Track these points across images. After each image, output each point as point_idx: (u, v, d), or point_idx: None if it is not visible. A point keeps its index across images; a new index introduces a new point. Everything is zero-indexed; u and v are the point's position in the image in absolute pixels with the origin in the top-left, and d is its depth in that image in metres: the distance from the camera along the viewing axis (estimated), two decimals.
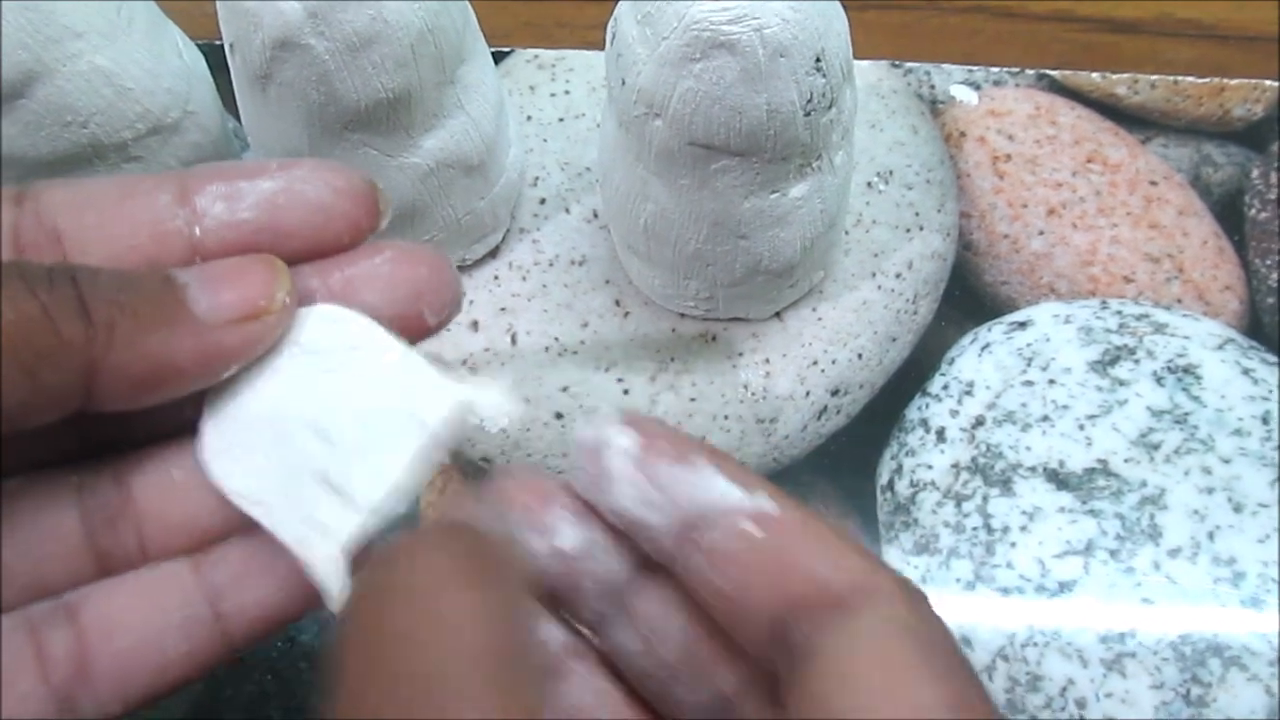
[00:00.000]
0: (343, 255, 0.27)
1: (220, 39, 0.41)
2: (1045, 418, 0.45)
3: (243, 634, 0.26)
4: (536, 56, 0.53)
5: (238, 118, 0.45)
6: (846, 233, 0.49)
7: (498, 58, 0.46)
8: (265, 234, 0.26)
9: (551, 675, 0.28)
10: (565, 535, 0.28)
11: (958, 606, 0.42)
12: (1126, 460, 0.44)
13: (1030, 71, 0.52)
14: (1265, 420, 0.45)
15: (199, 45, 0.47)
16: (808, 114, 0.38)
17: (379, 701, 0.20)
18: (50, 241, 0.25)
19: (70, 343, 0.22)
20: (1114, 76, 0.52)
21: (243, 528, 0.26)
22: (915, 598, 0.24)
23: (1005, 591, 0.43)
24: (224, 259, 0.26)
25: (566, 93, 0.52)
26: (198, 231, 0.26)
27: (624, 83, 0.39)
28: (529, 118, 0.52)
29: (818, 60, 0.38)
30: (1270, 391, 0.45)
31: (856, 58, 0.41)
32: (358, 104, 0.40)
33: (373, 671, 0.20)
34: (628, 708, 0.28)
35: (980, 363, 0.47)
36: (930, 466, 0.45)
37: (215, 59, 0.46)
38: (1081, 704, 0.41)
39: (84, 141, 0.42)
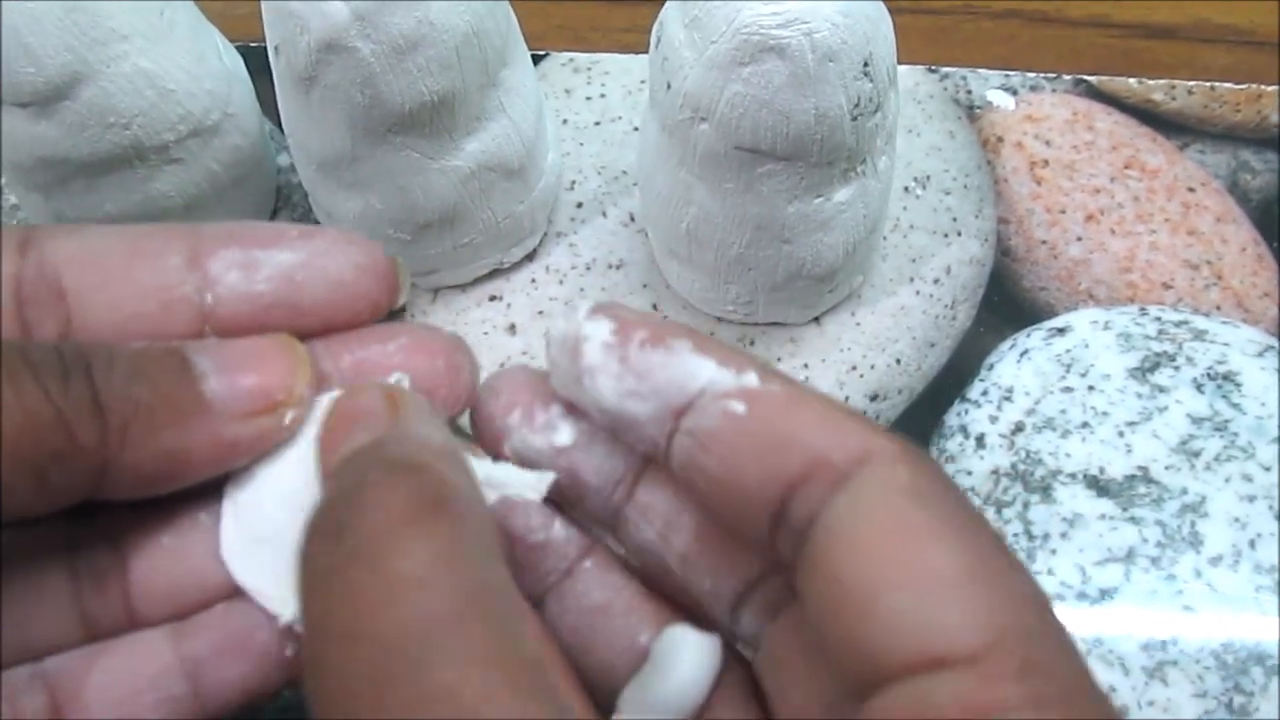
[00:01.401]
0: (356, 335, 0.27)
1: (258, 41, 0.41)
2: (1085, 424, 0.45)
3: (219, 707, 0.25)
4: (572, 60, 0.53)
5: (276, 121, 0.45)
6: (885, 238, 0.48)
7: (533, 61, 0.46)
8: (281, 309, 0.25)
9: (565, 576, 0.27)
10: (563, 431, 0.27)
11: None
12: (1167, 467, 0.44)
13: (1067, 77, 0.52)
14: None
15: (237, 48, 0.47)
16: (855, 118, 0.38)
17: (350, 674, 0.19)
18: (53, 296, 0.24)
19: (84, 446, 0.21)
20: (1151, 82, 0.52)
21: (227, 595, 0.25)
22: (918, 459, 0.22)
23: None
24: (242, 341, 0.25)
25: (602, 96, 0.52)
26: (209, 299, 0.25)
27: (669, 86, 0.39)
28: (565, 121, 0.52)
29: (865, 65, 0.37)
30: None
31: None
32: (402, 106, 0.40)
33: (338, 646, 0.19)
34: (646, 600, 0.27)
35: (1019, 369, 0.46)
36: (970, 473, 0.45)
37: (253, 62, 0.46)
38: (1124, 711, 0.41)
39: (126, 143, 0.42)
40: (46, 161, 0.41)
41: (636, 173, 0.46)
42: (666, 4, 0.40)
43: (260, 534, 0.26)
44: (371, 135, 0.41)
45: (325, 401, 0.26)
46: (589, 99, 0.52)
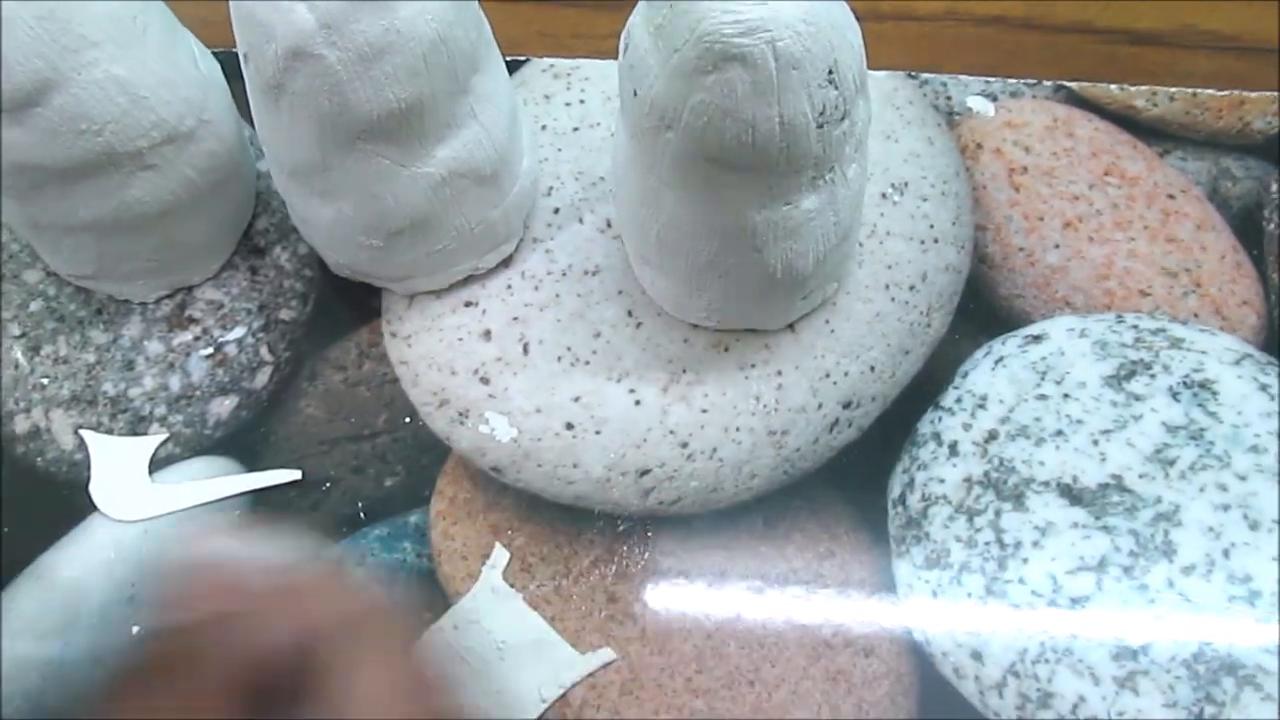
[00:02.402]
0: None
1: (236, 47, 0.41)
2: (1059, 432, 0.45)
3: None
4: (552, 66, 0.53)
5: (254, 124, 0.45)
6: (860, 244, 0.48)
7: (513, 67, 0.46)
8: None
9: None
10: None
11: (969, 621, 0.42)
12: (1141, 476, 0.44)
13: (1048, 83, 0.52)
14: None
15: (215, 54, 0.47)
16: (820, 126, 0.38)
17: None
18: None
19: None
20: (1132, 89, 0.52)
21: None
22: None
23: (1017, 607, 0.42)
24: None
25: (581, 102, 0.52)
26: None
27: (636, 94, 0.39)
28: (544, 127, 0.52)
29: (830, 72, 0.37)
30: None
31: (872, 68, 0.40)
32: (370, 113, 0.40)
33: None
34: None
35: (994, 376, 0.46)
36: (942, 480, 0.45)
37: (231, 67, 0.46)
38: None
39: (99, 149, 0.42)
40: (19, 168, 0.41)
41: (610, 179, 0.46)
42: (635, 8, 0.40)
43: None
44: (341, 143, 0.41)
45: None
46: (568, 105, 0.52)
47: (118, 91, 0.41)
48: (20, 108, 0.40)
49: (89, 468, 0.46)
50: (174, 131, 0.43)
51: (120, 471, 0.46)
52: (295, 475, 0.45)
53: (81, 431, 0.46)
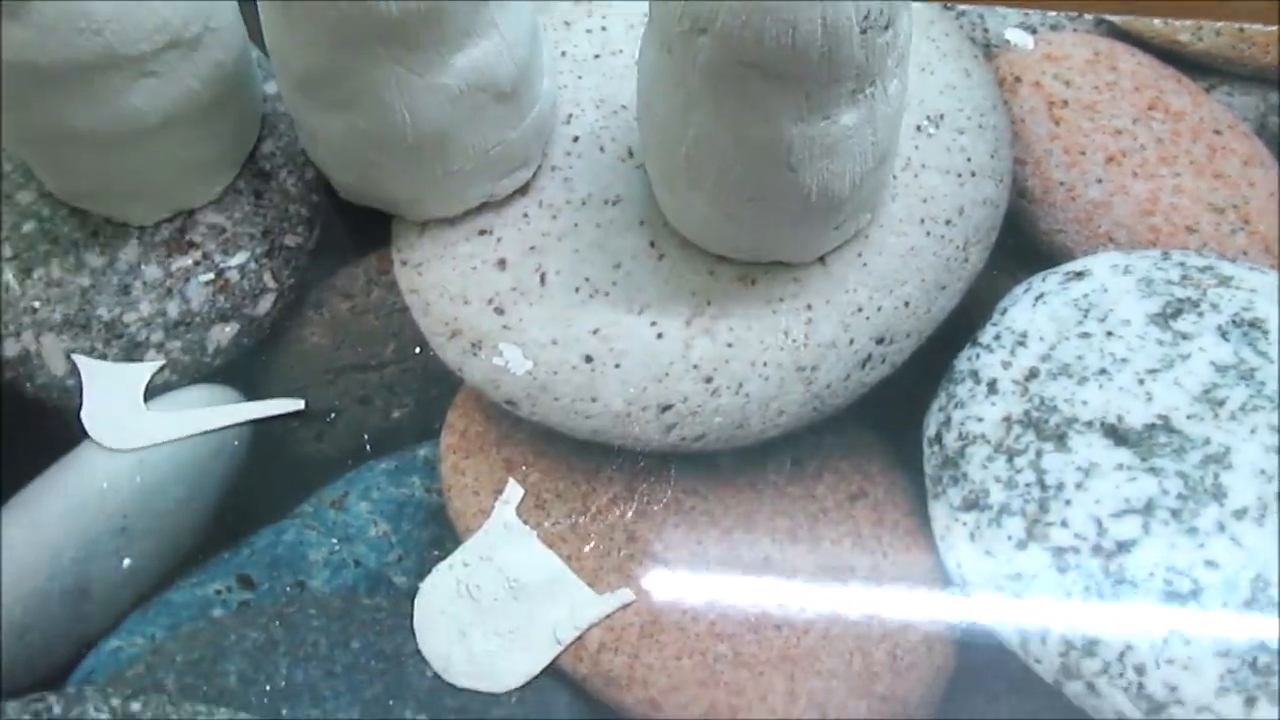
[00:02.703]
0: None
1: None
2: (1103, 371, 0.43)
3: None
4: None
5: (263, 48, 0.43)
6: (895, 177, 0.46)
7: None
8: None
9: None
10: None
11: (1008, 565, 0.40)
12: (1189, 417, 0.42)
13: (1089, 16, 0.50)
14: None
15: None
16: (864, 31, 0.36)
17: None
18: None
19: None
20: (1177, 23, 0.50)
21: None
22: None
23: (1059, 551, 0.40)
24: None
25: (603, 29, 0.50)
26: None
27: None
28: (564, 53, 0.49)
29: None
30: None
31: None
32: (388, 12, 0.38)
33: None
34: None
35: (1034, 313, 0.44)
36: (980, 419, 0.42)
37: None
38: (1140, 670, 0.38)
39: (98, 49, 0.40)
40: (16, 68, 0.39)
41: (635, 100, 0.43)
42: None
43: (437, 621, 0.39)
44: (355, 47, 0.39)
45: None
46: (589, 31, 0.50)
47: None
48: (18, 1, 0.37)
49: (81, 393, 0.43)
50: (178, 36, 0.41)
51: (114, 398, 0.43)
52: (298, 405, 0.43)
53: (74, 356, 0.44)
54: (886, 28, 0.37)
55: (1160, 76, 0.49)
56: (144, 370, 0.44)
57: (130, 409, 0.43)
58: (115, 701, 0.39)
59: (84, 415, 0.43)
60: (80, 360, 0.44)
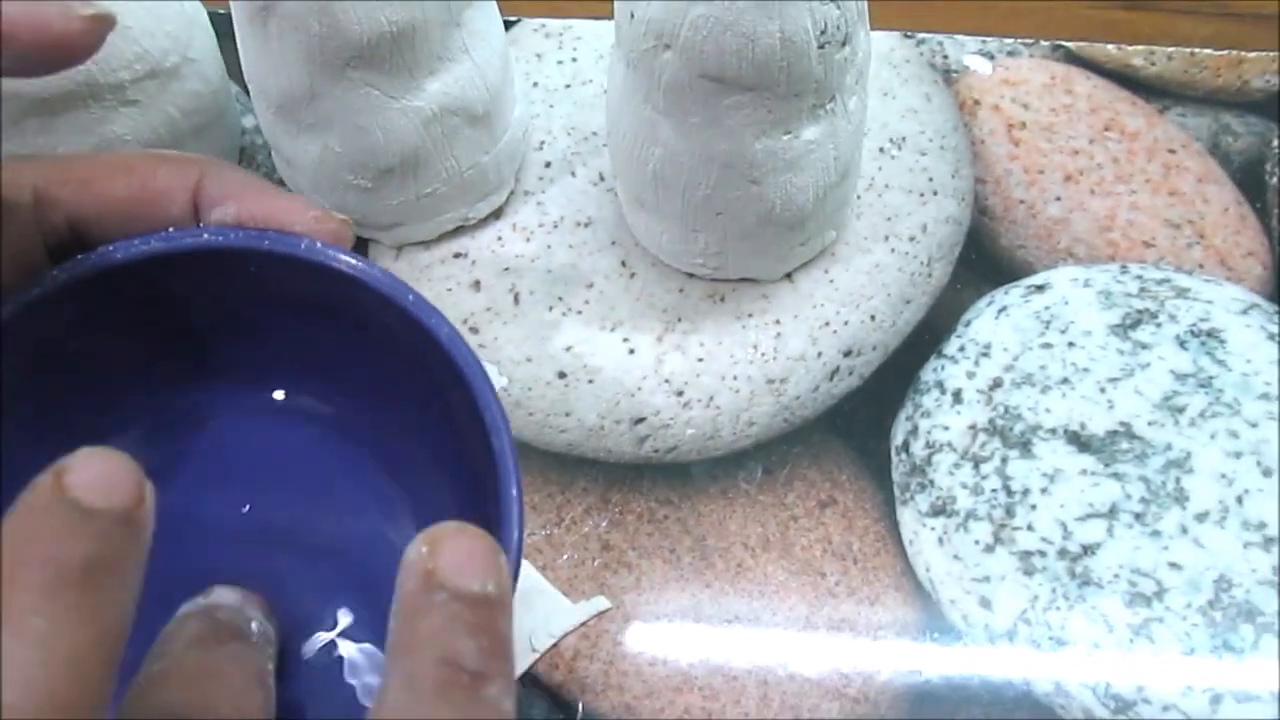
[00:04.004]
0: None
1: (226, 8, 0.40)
2: (1065, 380, 0.44)
3: None
4: (544, 25, 0.53)
5: (242, 86, 0.44)
6: (859, 196, 0.47)
7: (505, 27, 0.45)
8: None
9: None
10: None
11: (976, 569, 0.40)
12: (1150, 423, 0.43)
13: (1045, 42, 0.51)
14: None
15: (209, 12, 0.46)
16: (821, 46, 0.37)
17: None
18: None
19: None
20: (1130, 48, 0.51)
21: None
22: None
23: (1026, 554, 0.41)
24: None
25: (574, 60, 0.51)
26: None
27: (633, 16, 0.38)
28: (535, 84, 0.51)
29: None
30: None
31: (870, 28, 0.40)
32: (360, 37, 0.39)
33: None
34: None
35: (997, 325, 0.45)
36: (946, 428, 0.43)
37: (220, 27, 0.45)
38: (1108, 668, 0.39)
39: (80, 79, 0.41)
40: (1, 96, 0.40)
41: (605, 119, 0.45)
42: None
43: None
44: (330, 70, 0.40)
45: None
46: (560, 63, 0.51)
47: None
48: None
49: None
50: (157, 66, 0.42)
51: None
52: None
53: None
54: (844, 44, 0.38)
55: (1115, 99, 0.50)
56: None
57: None
58: None
59: None
60: None
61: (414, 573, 0.23)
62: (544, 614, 0.40)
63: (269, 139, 0.45)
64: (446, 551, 0.24)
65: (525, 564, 0.41)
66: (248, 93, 0.44)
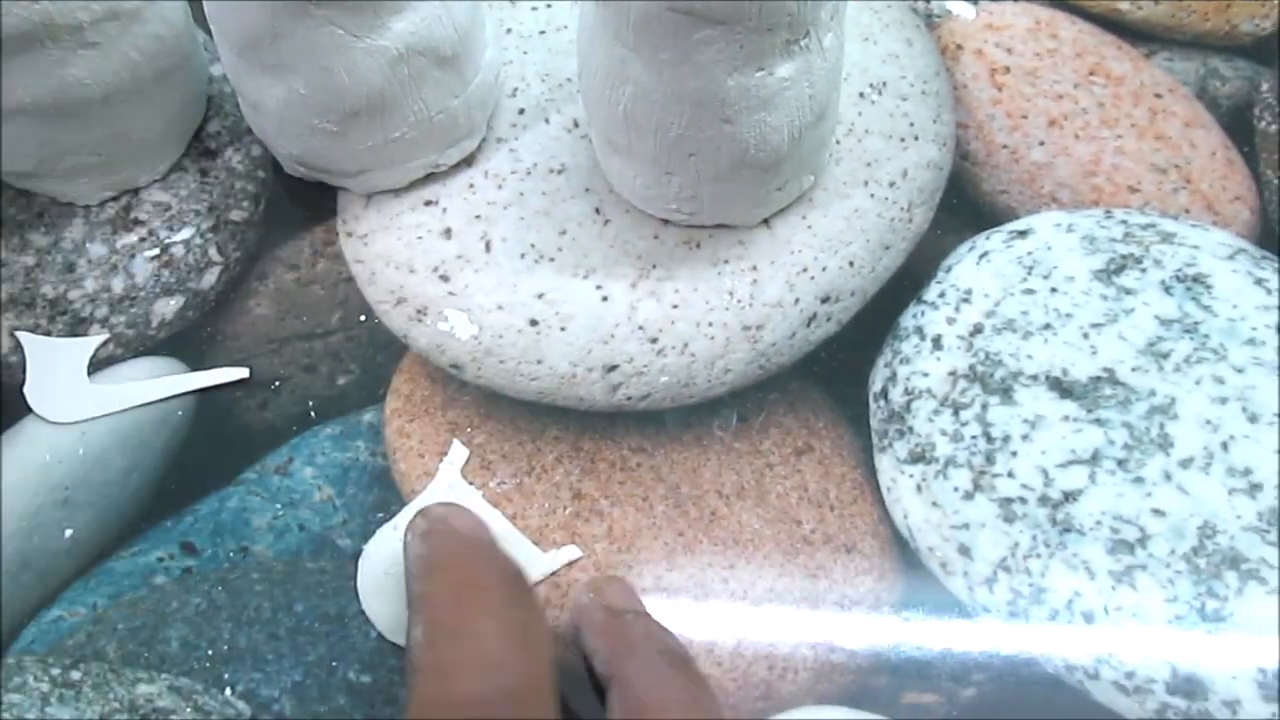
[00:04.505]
0: None
1: None
2: (1047, 326, 0.43)
3: None
4: None
5: (208, 31, 0.43)
6: (838, 142, 0.46)
7: None
8: None
9: None
10: None
11: (955, 516, 0.40)
12: (1134, 369, 0.42)
13: None
14: None
15: None
16: None
17: (450, 604, 0.32)
18: None
19: None
20: None
21: None
22: None
23: (1006, 501, 0.40)
24: None
25: (548, 5, 0.50)
26: None
27: None
28: (509, 30, 0.50)
29: None
30: None
31: None
32: None
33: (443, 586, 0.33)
34: None
35: (978, 270, 0.44)
36: (926, 374, 0.42)
37: None
38: (1089, 617, 0.38)
39: (36, 19, 0.40)
40: None
41: (576, 60, 0.44)
42: None
43: (380, 582, 0.39)
44: (292, 8, 0.39)
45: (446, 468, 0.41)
46: (534, 9, 0.50)
47: None
48: None
49: (24, 369, 0.43)
50: (117, 7, 0.41)
51: (58, 373, 0.43)
52: (242, 373, 0.43)
53: (17, 333, 0.44)
54: None
55: (1101, 43, 0.49)
56: (88, 344, 0.44)
57: (74, 383, 0.43)
58: (55, 671, 0.38)
59: (27, 390, 0.43)
60: (23, 336, 0.44)
61: (595, 607, 0.36)
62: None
63: (233, 83, 0.44)
64: (609, 591, 0.37)
65: (495, 514, 0.40)
66: (211, 27, 0.43)
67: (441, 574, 0.34)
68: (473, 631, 0.31)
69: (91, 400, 0.43)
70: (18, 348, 0.44)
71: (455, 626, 0.32)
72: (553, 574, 0.39)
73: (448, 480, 0.41)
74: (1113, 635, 0.38)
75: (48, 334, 0.44)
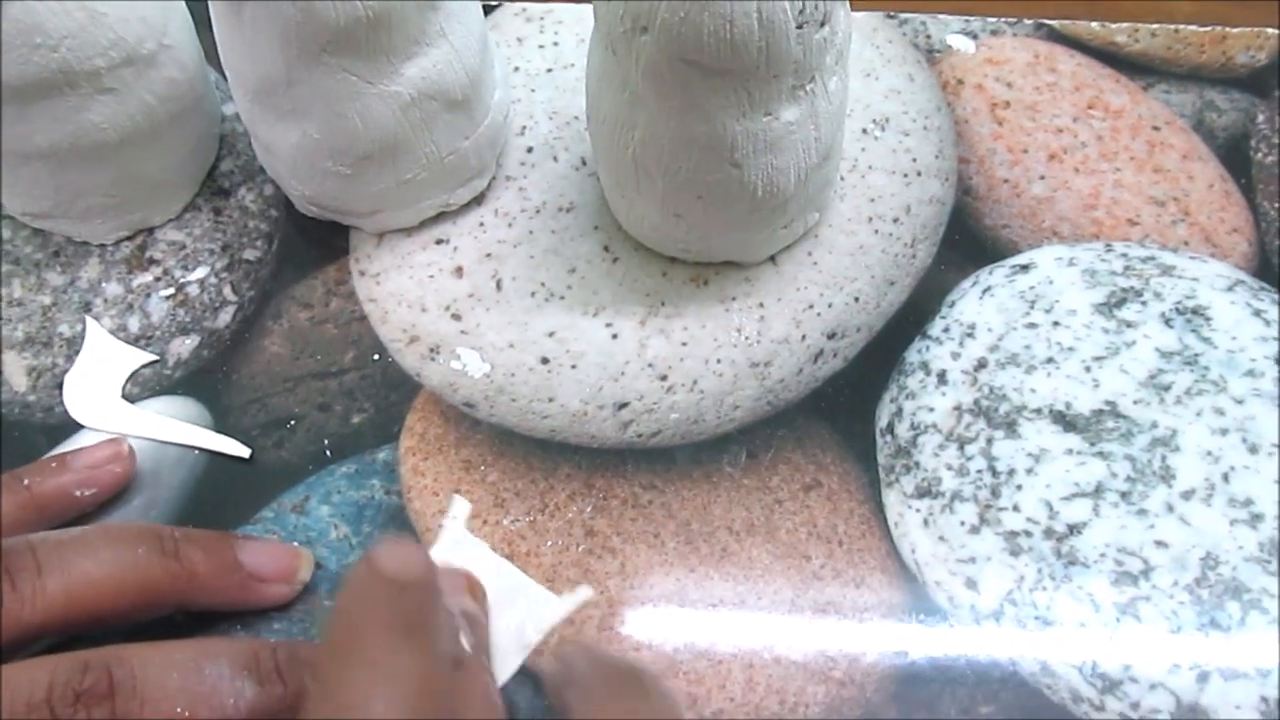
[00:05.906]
0: None
1: None
2: (1050, 360, 0.44)
3: None
4: (525, 9, 0.52)
5: (221, 73, 0.44)
6: (842, 178, 0.47)
7: (485, 12, 0.45)
8: None
9: None
10: None
11: (962, 550, 0.40)
12: (1136, 401, 0.43)
13: (1028, 21, 0.51)
14: (1279, 361, 0.43)
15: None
16: (800, 26, 0.37)
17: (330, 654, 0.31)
18: None
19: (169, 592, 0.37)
20: (1113, 25, 0.51)
21: None
22: None
23: (1012, 534, 0.41)
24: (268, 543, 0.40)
25: (555, 44, 0.51)
26: None
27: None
28: (516, 69, 0.50)
29: None
30: None
31: (852, 8, 0.40)
32: (335, 21, 0.38)
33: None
34: None
35: (981, 305, 0.45)
36: (931, 409, 0.43)
37: (198, 13, 0.45)
38: (1095, 649, 0.39)
39: (55, 67, 0.40)
40: None
41: (585, 104, 0.44)
42: None
43: None
44: (306, 55, 0.40)
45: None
46: (541, 47, 0.51)
47: (75, 6, 0.40)
48: None
49: (41, 409, 0.44)
50: (133, 53, 0.42)
51: (99, 373, 0.44)
52: (245, 452, 0.43)
53: (87, 318, 0.45)
54: (823, 24, 0.38)
55: (1099, 76, 0.50)
56: (137, 358, 0.44)
57: (107, 391, 0.44)
58: None
59: (68, 377, 0.44)
60: (91, 323, 0.45)
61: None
62: (529, 610, 0.40)
63: (248, 126, 0.45)
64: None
65: (505, 563, 0.41)
66: (225, 71, 0.44)
67: (334, 622, 0.32)
68: (344, 680, 0.31)
69: (113, 415, 0.43)
70: (34, 388, 0.44)
71: (332, 679, 0.31)
72: (568, 617, 0.40)
73: (454, 536, 0.41)
74: (1118, 666, 0.38)
75: (64, 373, 0.44)
